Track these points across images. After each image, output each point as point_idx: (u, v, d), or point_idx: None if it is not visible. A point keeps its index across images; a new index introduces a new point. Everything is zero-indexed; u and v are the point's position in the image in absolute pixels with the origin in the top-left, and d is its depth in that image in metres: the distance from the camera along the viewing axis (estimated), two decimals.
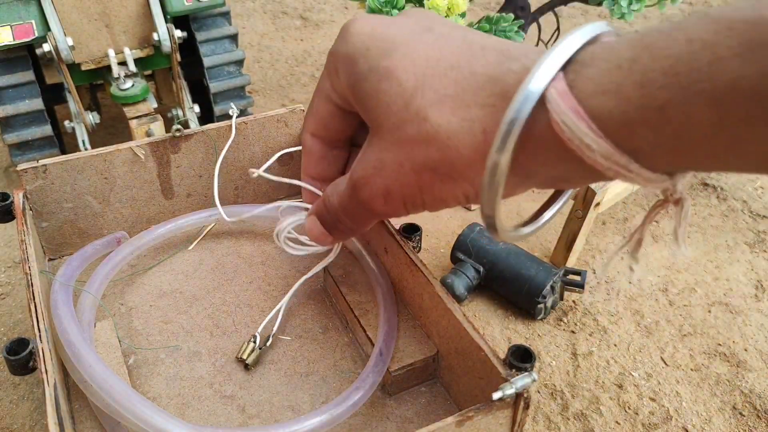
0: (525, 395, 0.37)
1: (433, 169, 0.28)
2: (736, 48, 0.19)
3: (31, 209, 0.53)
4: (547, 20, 0.95)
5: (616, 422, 0.57)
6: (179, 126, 0.55)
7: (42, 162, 0.52)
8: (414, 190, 0.29)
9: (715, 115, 0.20)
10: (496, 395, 0.36)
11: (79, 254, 0.53)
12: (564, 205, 0.34)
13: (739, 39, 0.19)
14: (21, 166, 0.52)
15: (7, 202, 0.51)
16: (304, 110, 0.60)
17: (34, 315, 0.42)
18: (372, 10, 0.73)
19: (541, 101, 0.23)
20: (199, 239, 0.59)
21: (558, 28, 0.93)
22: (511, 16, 0.76)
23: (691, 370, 0.62)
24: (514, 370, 0.38)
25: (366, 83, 0.30)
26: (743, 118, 0.19)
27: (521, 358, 0.39)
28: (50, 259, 0.57)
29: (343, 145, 0.39)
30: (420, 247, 0.51)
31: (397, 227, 0.50)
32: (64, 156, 0.53)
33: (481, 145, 0.26)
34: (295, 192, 0.63)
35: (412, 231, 0.51)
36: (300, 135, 0.37)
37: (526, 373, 0.38)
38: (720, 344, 0.65)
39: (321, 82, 0.36)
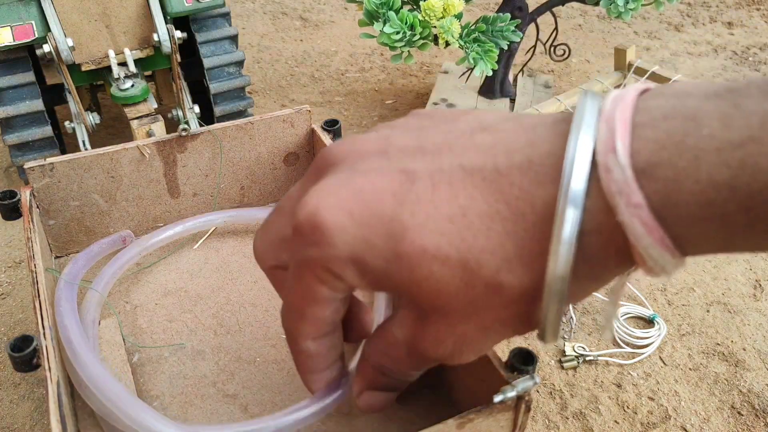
0: (526, 398, 0.37)
1: (520, 321, 0.26)
2: None
3: (38, 207, 0.54)
4: (545, 20, 0.95)
5: (615, 421, 0.57)
6: (185, 126, 0.56)
7: (49, 160, 0.53)
8: (494, 342, 0.28)
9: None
10: (497, 398, 0.36)
11: (85, 253, 0.53)
12: None
13: None
14: (28, 165, 0.52)
15: (14, 200, 0.52)
16: (310, 111, 0.60)
17: (38, 312, 0.43)
18: (369, 12, 0.73)
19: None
20: (204, 239, 0.60)
21: (556, 28, 0.94)
22: (508, 15, 0.76)
23: (690, 369, 0.63)
24: (515, 373, 0.38)
25: (391, 277, 0.25)
26: None
27: (523, 360, 0.39)
28: (57, 257, 0.57)
29: (337, 327, 0.32)
30: None
31: None
32: (71, 154, 0.54)
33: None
34: None
35: None
36: (289, 324, 0.31)
37: (528, 376, 0.38)
38: (718, 344, 0.65)
39: (308, 293, 0.27)
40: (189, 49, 0.87)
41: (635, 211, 0.20)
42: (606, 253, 0.22)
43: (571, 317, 0.67)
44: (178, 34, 0.80)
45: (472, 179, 0.23)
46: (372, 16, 0.73)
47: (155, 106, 0.81)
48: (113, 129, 0.99)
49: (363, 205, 0.24)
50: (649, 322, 0.67)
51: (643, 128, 0.21)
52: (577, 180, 0.21)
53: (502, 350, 0.38)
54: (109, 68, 0.81)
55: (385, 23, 0.71)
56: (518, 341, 0.64)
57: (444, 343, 0.27)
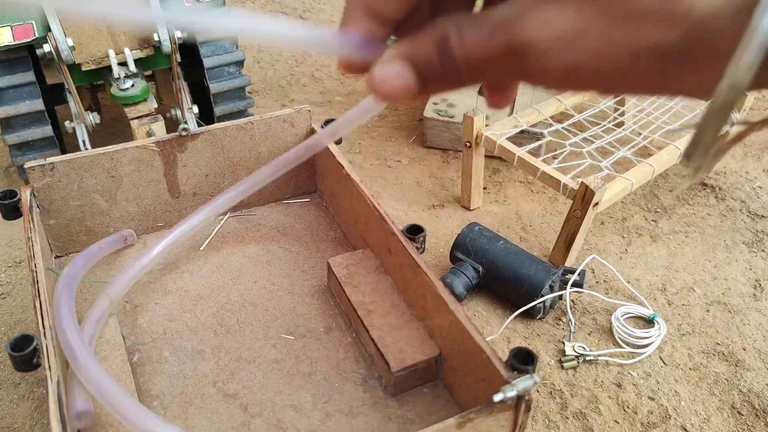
0: (526, 397, 0.37)
1: (663, 54, 0.21)
2: None
3: (38, 207, 0.54)
4: None
5: (615, 421, 0.57)
6: (185, 125, 0.56)
7: (49, 160, 0.53)
8: (617, 74, 0.23)
9: None
10: (497, 397, 0.36)
11: (85, 254, 0.53)
12: None
13: None
14: (28, 164, 0.52)
15: (14, 199, 0.52)
16: (310, 110, 0.60)
17: (39, 312, 0.43)
18: None
19: None
20: (208, 240, 0.60)
21: None
22: None
23: (690, 369, 0.63)
24: (515, 372, 0.38)
25: None
26: None
27: (523, 360, 0.39)
28: (57, 257, 0.57)
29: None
30: (424, 249, 0.52)
31: (401, 228, 0.50)
32: (71, 154, 0.54)
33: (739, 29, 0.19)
34: (301, 191, 0.63)
35: (416, 232, 0.51)
36: None
37: (528, 375, 0.38)
38: (718, 343, 0.65)
39: None
40: (189, 49, 0.87)
41: None
42: None
43: (570, 319, 0.67)
44: (178, 34, 0.80)
45: None
46: None
47: (155, 105, 0.81)
48: (113, 129, 0.99)
49: None
50: (649, 322, 0.67)
51: None
52: None
53: (503, 350, 0.38)
54: (109, 68, 0.81)
55: None
56: (515, 338, 0.64)
57: (564, 45, 0.22)
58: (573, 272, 0.67)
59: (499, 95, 0.29)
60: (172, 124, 0.89)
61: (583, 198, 0.66)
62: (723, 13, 0.20)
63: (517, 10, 0.23)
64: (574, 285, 0.67)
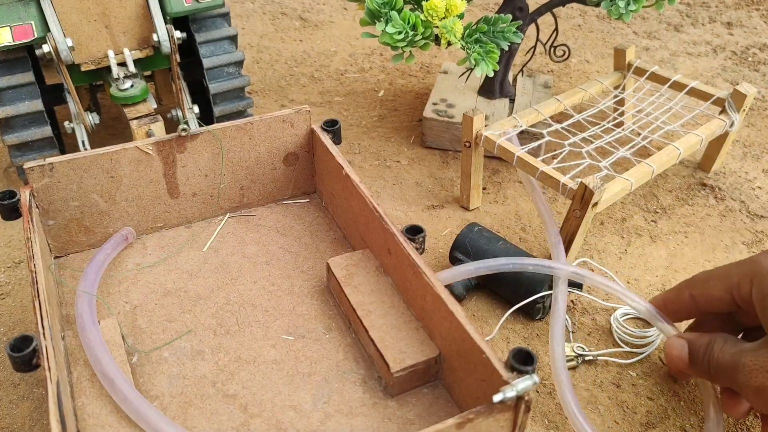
0: (526, 398, 0.37)
1: None
2: None
3: (37, 207, 0.54)
4: (545, 20, 0.95)
5: (615, 421, 0.57)
6: (185, 126, 0.56)
7: (49, 160, 0.53)
8: None
9: None
10: (496, 398, 0.36)
11: (93, 264, 0.53)
12: None
13: None
14: (27, 165, 0.52)
15: (13, 200, 0.52)
16: (309, 111, 0.60)
17: (38, 313, 0.43)
18: (370, 12, 0.73)
19: None
20: (211, 241, 0.60)
21: (556, 29, 0.94)
22: (509, 16, 0.76)
23: None
24: (515, 373, 0.38)
25: None
26: None
27: (522, 360, 0.39)
28: (56, 257, 0.57)
29: (707, 316, 0.52)
30: (423, 249, 0.52)
31: (400, 228, 0.51)
32: (70, 154, 0.54)
33: None
34: (301, 192, 0.63)
35: (415, 232, 0.51)
36: (673, 291, 0.54)
37: (527, 376, 0.38)
38: None
39: (729, 273, 0.47)
40: (188, 50, 0.87)
41: None
42: None
43: (566, 319, 0.67)
44: (177, 34, 0.80)
45: None
46: (374, 16, 0.73)
47: (155, 106, 0.81)
48: (113, 129, 0.99)
49: None
50: (648, 323, 0.67)
51: None
52: None
53: (502, 350, 0.38)
54: (108, 68, 0.81)
55: (387, 23, 0.71)
56: (514, 339, 0.64)
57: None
58: None
59: (731, 403, 0.48)
60: (172, 125, 0.89)
61: (582, 198, 0.66)
62: None
63: (747, 362, 0.43)
64: (573, 285, 0.67)
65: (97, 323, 0.47)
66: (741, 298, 0.46)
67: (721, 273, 0.48)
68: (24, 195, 0.52)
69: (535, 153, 0.82)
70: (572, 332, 0.66)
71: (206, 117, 0.89)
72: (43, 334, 0.41)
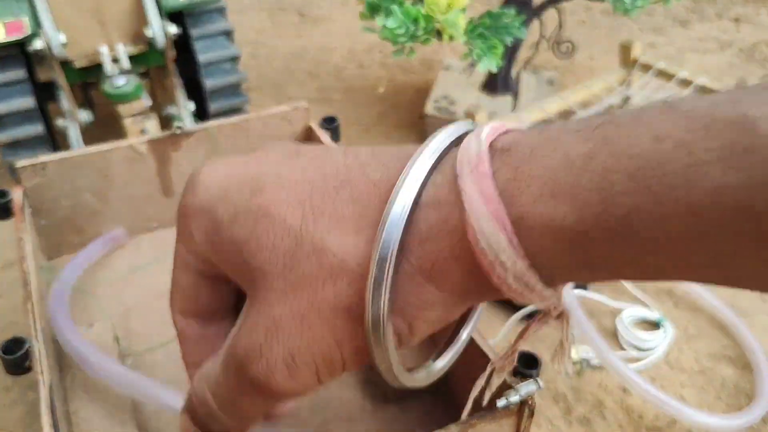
0: (530, 402, 0.36)
1: (347, 308, 0.22)
2: (717, 151, 0.17)
3: (29, 206, 0.53)
4: (549, 15, 0.94)
5: (620, 426, 0.56)
6: (180, 123, 0.55)
7: (41, 159, 0.52)
8: (328, 344, 0.22)
9: (693, 227, 0.17)
10: (500, 402, 0.36)
11: (71, 264, 0.52)
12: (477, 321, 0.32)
13: (720, 141, 0.17)
14: (20, 163, 0.52)
15: (5, 199, 0.51)
16: (307, 107, 0.59)
17: (30, 315, 0.42)
18: (371, 6, 0.72)
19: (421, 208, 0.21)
20: None
21: (560, 24, 0.92)
22: (513, 12, 0.75)
23: (697, 372, 0.61)
24: (519, 377, 0.38)
25: (234, 229, 0.24)
26: (727, 232, 0.17)
27: (526, 364, 0.38)
28: (49, 258, 0.56)
29: (222, 317, 0.30)
30: None
31: None
32: (63, 153, 0.53)
33: None
34: None
35: None
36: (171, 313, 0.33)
37: (531, 380, 0.37)
38: (725, 347, 0.64)
39: (176, 248, 0.29)
40: (184, 45, 0.85)
41: (478, 178, 0.20)
42: (439, 231, 0.21)
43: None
44: (172, 29, 0.79)
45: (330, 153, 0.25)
46: (374, 10, 0.71)
47: (149, 103, 0.80)
48: (106, 127, 0.97)
49: (239, 168, 0.26)
50: (655, 326, 0.65)
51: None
52: (429, 154, 0.23)
53: (503, 350, 0.37)
54: (101, 65, 0.79)
55: (387, 17, 0.69)
56: (521, 345, 0.62)
57: (255, 332, 0.23)
58: None
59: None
60: (167, 122, 0.88)
61: None
62: (366, 252, 0.22)
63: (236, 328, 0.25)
64: (578, 287, 0.66)
65: (68, 313, 0.46)
66: (203, 263, 0.28)
67: (174, 255, 0.31)
68: (16, 194, 0.51)
69: None
70: (577, 336, 0.64)
71: (202, 114, 0.88)
72: (36, 336, 0.40)
